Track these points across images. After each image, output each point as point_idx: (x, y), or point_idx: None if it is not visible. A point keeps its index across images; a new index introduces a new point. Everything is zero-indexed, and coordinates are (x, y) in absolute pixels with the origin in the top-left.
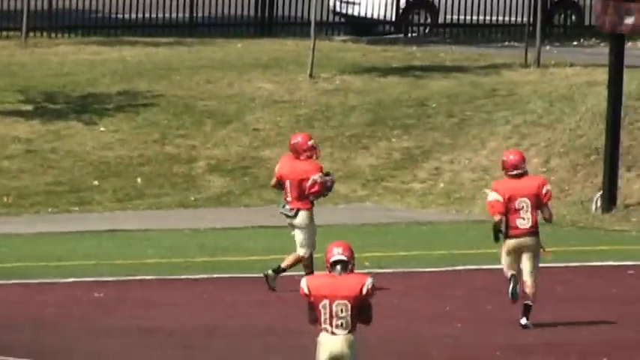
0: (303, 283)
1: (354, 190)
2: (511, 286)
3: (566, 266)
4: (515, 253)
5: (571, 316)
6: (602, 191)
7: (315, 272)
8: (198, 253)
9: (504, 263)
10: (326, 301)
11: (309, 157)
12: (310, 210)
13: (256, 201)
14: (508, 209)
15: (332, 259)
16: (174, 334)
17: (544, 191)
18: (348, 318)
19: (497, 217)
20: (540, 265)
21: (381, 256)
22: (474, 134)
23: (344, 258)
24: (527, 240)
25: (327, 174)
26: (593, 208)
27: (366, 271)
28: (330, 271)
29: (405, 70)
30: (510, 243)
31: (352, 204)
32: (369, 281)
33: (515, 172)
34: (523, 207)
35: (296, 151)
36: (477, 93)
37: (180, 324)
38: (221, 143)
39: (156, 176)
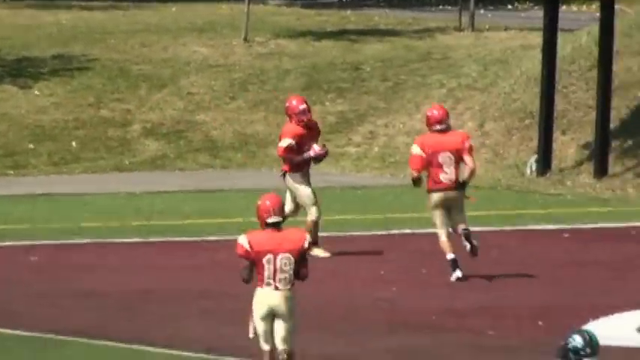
0: (243, 240)
1: None
2: (454, 276)
3: (501, 230)
4: (442, 206)
5: (506, 279)
6: (537, 155)
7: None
8: (134, 217)
9: (437, 221)
10: (270, 256)
11: (301, 122)
12: (294, 173)
13: (191, 165)
14: (431, 163)
15: (269, 221)
16: (110, 297)
17: (467, 145)
18: (291, 272)
19: (414, 174)
20: (476, 228)
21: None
22: (409, 98)
23: (280, 220)
24: (450, 194)
25: (323, 147)
26: (528, 171)
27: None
28: (264, 228)
29: (339, 34)
30: (435, 196)
31: None
32: (308, 236)
33: (439, 127)
34: (446, 161)
35: (288, 115)
36: (412, 57)
37: (116, 288)
38: (156, 107)
39: (91, 140)
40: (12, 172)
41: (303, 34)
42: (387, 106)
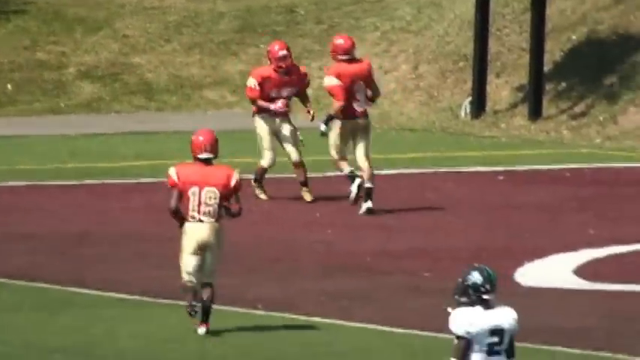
0: (172, 172)
1: (223, 97)
2: (354, 186)
3: (436, 172)
4: (350, 135)
5: (441, 221)
6: (471, 97)
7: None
8: (70, 159)
9: (336, 150)
10: (196, 188)
11: (279, 67)
12: (259, 115)
13: (127, 107)
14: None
15: (200, 157)
16: (46, 240)
17: (373, 73)
18: (216, 206)
19: (340, 103)
20: (410, 170)
21: (251, 162)
22: None
23: (211, 157)
24: (362, 121)
25: (284, 105)
26: (463, 114)
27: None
28: (195, 162)
29: None
30: (348, 125)
31: (221, 110)
32: (236, 174)
33: (347, 57)
34: (359, 90)
35: (269, 59)
36: None
37: (51, 230)
38: (91, 50)
39: (26, 82)
40: None
41: None
42: (321, 48)
